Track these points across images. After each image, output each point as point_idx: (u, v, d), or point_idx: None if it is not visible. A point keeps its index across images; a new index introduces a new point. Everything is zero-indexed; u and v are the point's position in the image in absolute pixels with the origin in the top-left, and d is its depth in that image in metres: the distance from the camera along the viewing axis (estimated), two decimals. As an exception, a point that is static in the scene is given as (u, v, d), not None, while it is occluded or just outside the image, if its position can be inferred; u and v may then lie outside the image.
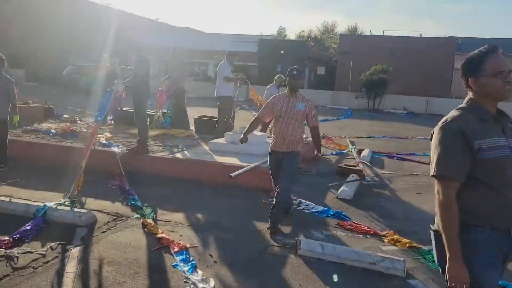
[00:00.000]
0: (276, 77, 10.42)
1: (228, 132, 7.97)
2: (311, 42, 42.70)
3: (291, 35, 60.33)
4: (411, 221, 5.22)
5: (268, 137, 8.72)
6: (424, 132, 14.90)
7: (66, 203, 4.91)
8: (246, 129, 4.86)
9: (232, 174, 5.53)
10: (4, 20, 18.64)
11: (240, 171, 5.79)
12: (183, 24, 70.72)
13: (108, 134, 8.22)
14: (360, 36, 34.65)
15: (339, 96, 26.24)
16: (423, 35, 33.39)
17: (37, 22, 17.69)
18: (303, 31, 54.22)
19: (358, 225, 4.84)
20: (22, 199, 5.19)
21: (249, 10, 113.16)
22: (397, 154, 9.74)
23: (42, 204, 4.70)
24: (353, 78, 27.76)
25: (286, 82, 4.70)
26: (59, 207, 4.68)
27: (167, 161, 6.72)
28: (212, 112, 15.29)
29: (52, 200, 5.10)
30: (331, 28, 54.27)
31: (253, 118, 4.92)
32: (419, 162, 8.97)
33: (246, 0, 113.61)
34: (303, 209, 5.42)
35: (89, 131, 5.82)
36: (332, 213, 5.19)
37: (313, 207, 5.44)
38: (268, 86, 10.54)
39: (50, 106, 10.78)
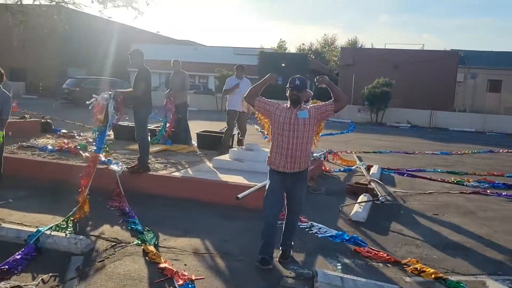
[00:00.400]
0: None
1: (233, 149, 7.64)
2: (311, 55, 42.61)
3: (291, 48, 60.41)
4: (433, 246, 4.85)
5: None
6: (430, 147, 14.59)
7: (61, 226, 4.57)
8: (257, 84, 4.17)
9: (240, 196, 5.17)
10: (4, 33, 18.48)
11: (248, 191, 5.43)
12: (183, 37, 70.95)
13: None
14: (361, 49, 34.58)
15: (341, 109, 25.94)
16: (424, 48, 33.29)
17: (37, 35, 17.49)
18: (303, 44, 54.35)
19: (376, 252, 4.47)
20: (14, 223, 4.83)
21: (247, 23, 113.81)
22: (407, 170, 9.39)
23: (34, 230, 4.34)
24: (355, 91, 27.52)
25: (287, 94, 4.00)
26: (53, 232, 4.32)
27: (170, 180, 6.37)
28: (214, 126, 15.07)
29: (47, 224, 4.75)
30: (331, 41, 54.38)
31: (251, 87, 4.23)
32: (430, 179, 8.63)
33: (245, 14, 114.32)
34: (316, 233, 5.06)
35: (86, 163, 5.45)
36: (347, 238, 4.82)
37: (326, 231, 5.08)
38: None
39: (48, 120, 10.46)
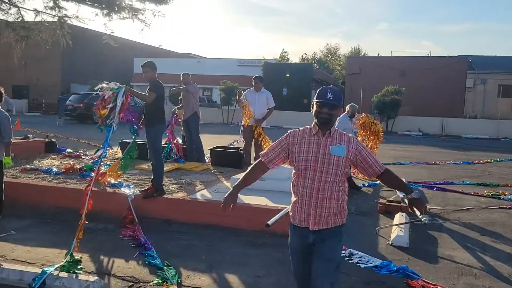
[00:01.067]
0: (348, 106, 8.09)
1: (252, 167, 7.08)
2: (315, 65, 42.23)
3: (294, 58, 60.21)
4: (494, 276, 4.25)
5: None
6: (449, 156, 14.00)
7: (68, 264, 4.01)
8: (239, 180, 3.02)
9: (270, 223, 4.59)
10: (5, 50, 18.16)
11: (277, 216, 4.84)
12: (185, 50, 71.04)
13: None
14: (367, 57, 34.11)
15: (350, 119, 25.42)
16: (431, 55, 32.85)
17: (39, 52, 17.13)
18: (305, 53, 54.09)
19: (433, 286, 3.88)
20: (17, 261, 4.27)
21: (247, 36, 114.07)
22: (435, 183, 8.80)
23: (39, 270, 3.78)
24: (363, 100, 27.03)
25: (313, 111, 2.74)
26: (60, 274, 3.75)
27: (187, 204, 5.80)
28: (223, 139, 14.53)
29: (53, 261, 4.21)
30: (334, 51, 54.07)
31: (252, 164, 3.07)
32: (462, 192, 8.03)
33: (244, 26, 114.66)
34: (357, 263, 4.47)
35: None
36: (395, 269, 4.23)
37: (368, 260, 4.49)
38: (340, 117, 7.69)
39: (52, 140, 9.94)
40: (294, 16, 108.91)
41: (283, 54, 55.19)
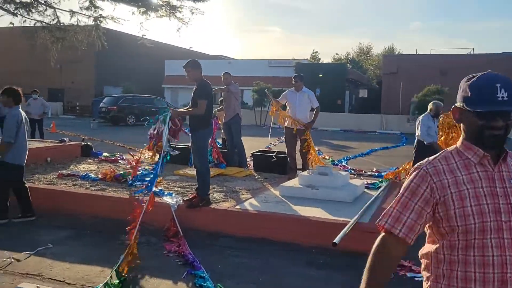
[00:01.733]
0: (431, 103, 7.02)
1: (304, 173, 6.50)
2: (349, 65, 41.23)
3: (325, 58, 59.24)
4: None
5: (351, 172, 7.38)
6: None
7: (113, 286, 3.55)
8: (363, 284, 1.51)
9: (336, 241, 4.02)
10: (42, 54, 18.27)
11: (342, 233, 4.28)
12: (215, 52, 71.17)
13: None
14: (405, 55, 32.74)
15: (388, 120, 24.41)
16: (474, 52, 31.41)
17: (74, 55, 17.12)
18: (337, 53, 53.07)
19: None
20: (55, 280, 3.85)
21: (275, 36, 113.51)
22: None
23: (81, 295, 3.33)
24: (402, 100, 26.01)
25: (464, 123, 1.51)
26: (105, 300, 3.29)
27: (236, 215, 5.26)
28: (259, 142, 13.99)
29: (94, 282, 3.76)
30: (367, 50, 52.79)
31: (374, 249, 1.55)
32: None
33: (272, 27, 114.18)
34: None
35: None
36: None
37: None
38: (421, 116, 6.95)
39: (88, 143, 9.65)
40: (321, 15, 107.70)
41: (314, 54, 54.34)
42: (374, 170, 9.65)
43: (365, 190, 6.63)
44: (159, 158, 4.68)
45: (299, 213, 5.21)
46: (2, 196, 5.37)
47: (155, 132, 4.68)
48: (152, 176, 4.55)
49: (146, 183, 4.69)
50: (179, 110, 5.05)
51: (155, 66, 40.03)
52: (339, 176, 6.22)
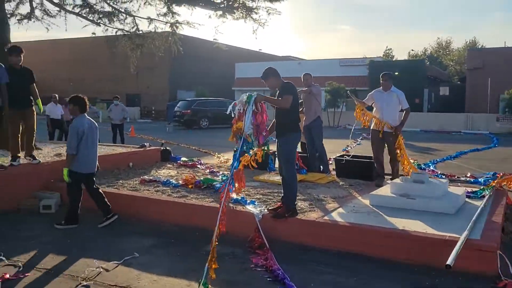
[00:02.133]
0: None
1: (396, 180, 5.94)
2: (426, 61, 38.99)
3: (399, 55, 56.71)
4: None
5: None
6: None
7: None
8: None
9: (449, 263, 3.49)
10: (122, 61, 19.14)
11: (454, 252, 3.72)
12: (284, 53, 71.00)
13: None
14: (491, 49, 30.04)
15: (473, 119, 22.56)
16: None
17: (150, 60, 17.74)
18: (413, 50, 50.51)
19: None
20: (143, 295, 3.70)
21: (345, 35, 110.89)
22: None
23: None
24: (490, 97, 23.97)
25: None
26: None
27: (326, 227, 4.85)
28: (335, 144, 13.35)
29: (183, 298, 3.54)
30: (446, 45, 49.65)
31: None
32: None
33: (339, 26, 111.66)
34: None
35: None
36: None
37: None
38: None
39: (167, 148, 9.74)
40: (392, 11, 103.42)
41: (387, 51, 52.20)
42: (468, 175, 8.76)
43: (466, 199, 5.93)
44: (238, 139, 4.46)
45: (396, 226, 4.69)
46: (73, 203, 5.54)
47: (241, 111, 4.49)
48: (238, 154, 4.34)
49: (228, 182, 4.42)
50: (264, 96, 4.73)
51: (225, 69, 40.67)
52: (437, 184, 5.60)
